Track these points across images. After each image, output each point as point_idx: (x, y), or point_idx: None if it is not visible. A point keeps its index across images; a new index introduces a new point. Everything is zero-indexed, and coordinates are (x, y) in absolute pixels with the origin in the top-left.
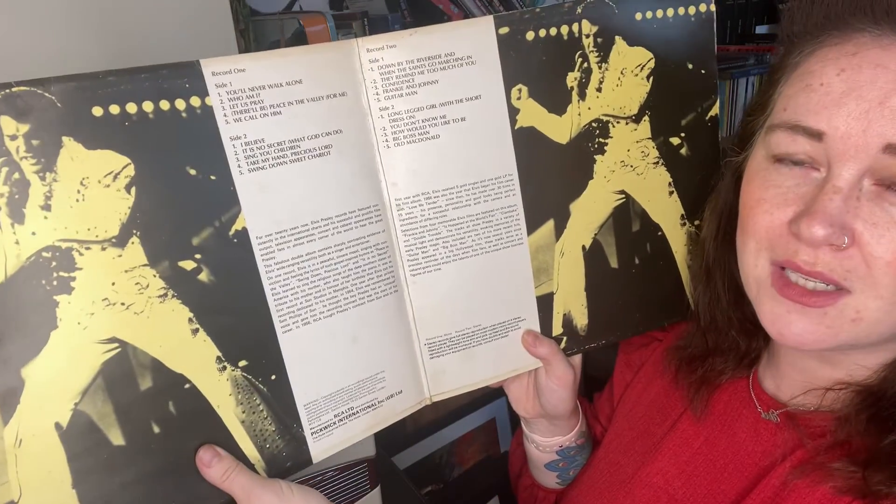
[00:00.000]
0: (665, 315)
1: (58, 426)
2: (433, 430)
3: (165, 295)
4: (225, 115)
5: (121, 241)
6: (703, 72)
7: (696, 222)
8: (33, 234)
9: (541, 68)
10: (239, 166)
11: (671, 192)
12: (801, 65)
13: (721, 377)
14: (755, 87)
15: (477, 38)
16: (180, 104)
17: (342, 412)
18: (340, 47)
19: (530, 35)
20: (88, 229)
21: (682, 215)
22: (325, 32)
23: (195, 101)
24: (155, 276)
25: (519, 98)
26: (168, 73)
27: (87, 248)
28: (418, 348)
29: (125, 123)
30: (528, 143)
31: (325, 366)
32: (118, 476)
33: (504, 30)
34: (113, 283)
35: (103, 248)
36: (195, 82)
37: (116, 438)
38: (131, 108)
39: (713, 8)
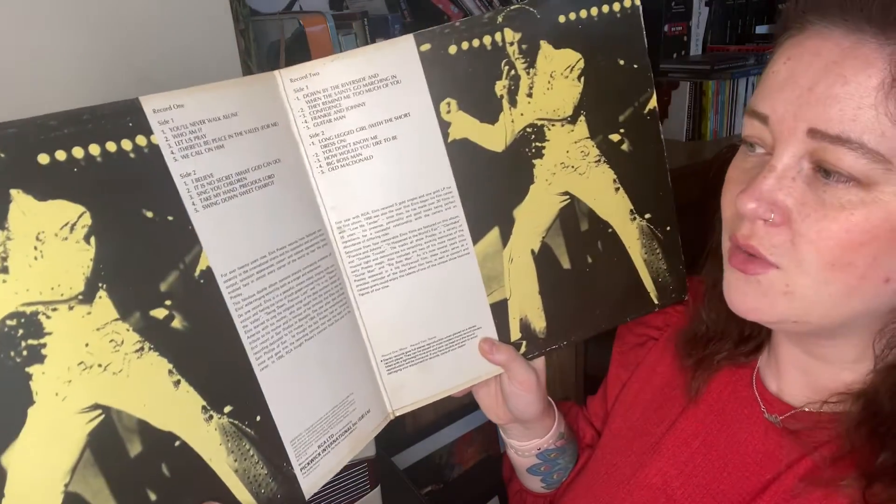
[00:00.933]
0: (628, 310)
1: None
2: (433, 430)
3: (142, 349)
4: (172, 153)
5: (88, 296)
6: (635, 66)
7: (647, 215)
8: None
9: (467, 80)
10: (193, 204)
11: (617, 189)
12: (772, 55)
13: (718, 358)
14: (758, 82)
15: (399, 57)
16: (127, 144)
17: (324, 441)
18: (265, 80)
19: (453, 49)
20: (52, 288)
21: (631, 210)
22: (325, 32)
23: (141, 141)
24: (128, 330)
25: (449, 111)
26: (110, 112)
27: (54, 310)
28: (375, 365)
29: (74, 169)
30: (463, 154)
31: (303, 397)
32: None
33: (426, 47)
34: (87, 344)
35: (71, 308)
36: (138, 121)
37: None
38: (78, 152)
39: (637, 2)
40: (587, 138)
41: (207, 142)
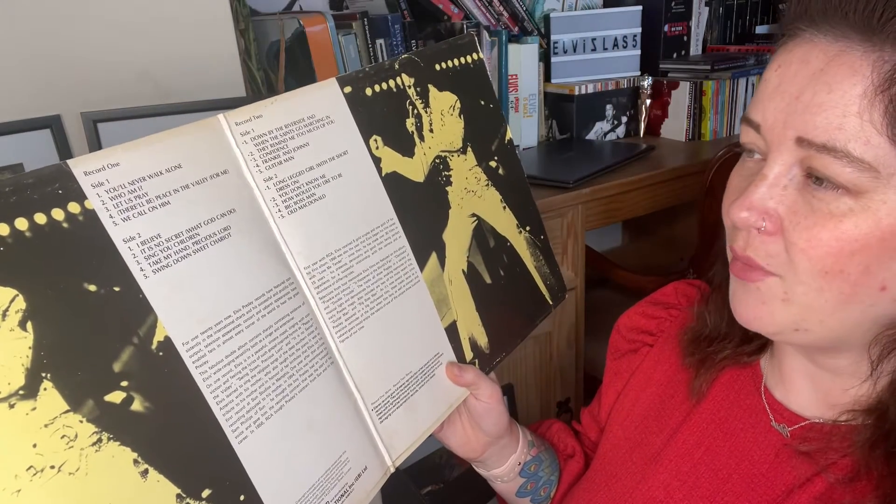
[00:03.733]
0: (534, 315)
1: None
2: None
3: (100, 440)
4: (111, 217)
5: (30, 390)
6: (491, 106)
7: (528, 227)
8: None
9: (384, 118)
10: (142, 269)
11: (504, 207)
12: (769, 62)
13: (720, 357)
14: (755, 87)
15: (328, 99)
16: (58, 214)
17: None
18: (208, 125)
19: (369, 91)
20: None
21: (517, 224)
22: (325, 32)
23: (74, 208)
24: (81, 421)
25: (377, 147)
26: (35, 181)
27: None
28: (367, 415)
29: (0, 248)
30: (396, 186)
31: (290, 466)
32: None
33: (348, 89)
34: (34, 445)
35: (11, 406)
36: (68, 186)
37: None
38: (3, 229)
39: (482, 56)
40: (476, 166)
41: (150, 199)
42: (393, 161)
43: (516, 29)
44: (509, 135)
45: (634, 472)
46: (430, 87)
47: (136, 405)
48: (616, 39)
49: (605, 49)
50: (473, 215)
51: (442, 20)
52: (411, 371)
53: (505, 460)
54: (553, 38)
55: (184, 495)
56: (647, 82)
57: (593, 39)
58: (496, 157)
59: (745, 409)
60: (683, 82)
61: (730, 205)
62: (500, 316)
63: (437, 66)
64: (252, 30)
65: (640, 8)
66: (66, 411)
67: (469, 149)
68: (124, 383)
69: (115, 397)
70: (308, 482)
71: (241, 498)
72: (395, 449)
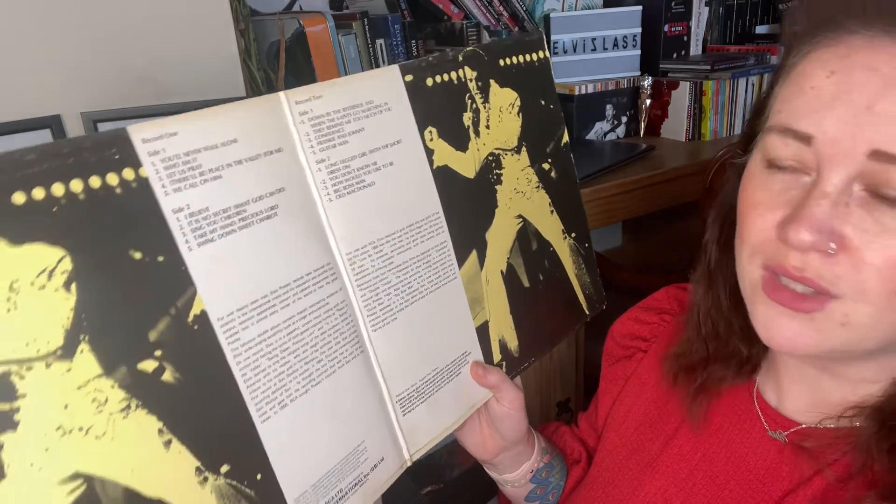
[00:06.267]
0: (569, 323)
1: None
2: None
3: (129, 407)
4: (163, 186)
5: (68, 351)
6: (551, 107)
7: (573, 234)
8: None
9: (442, 110)
10: (187, 241)
11: (552, 211)
12: (797, 66)
13: (721, 384)
14: (755, 87)
15: (388, 85)
16: (112, 179)
17: (332, 497)
18: (268, 101)
19: (430, 81)
20: (27, 344)
21: (563, 230)
22: (325, 32)
23: (128, 174)
24: (113, 387)
25: (431, 139)
26: (94, 145)
27: (29, 369)
28: (391, 407)
29: (53, 209)
30: (445, 181)
31: (309, 450)
32: None
33: (409, 77)
34: (66, 406)
35: (48, 365)
36: (125, 152)
37: None
38: (58, 189)
39: (548, 54)
40: (529, 166)
41: (203, 172)
42: (445, 154)
43: (516, 29)
44: (566, 137)
45: (631, 478)
46: (492, 82)
47: (167, 375)
48: (616, 39)
49: (605, 49)
50: (519, 216)
51: (442, 20)
52: (438, 367)
53: (518, 467)
54: (553, 38)
55: (203, 469)
56: (647, 82)
57: (593, 39)
58: (550, 160)
59: (740, 415)
60: (683, 82)
61: (777, 222)
62: (534, 321)
63: (502, 62)
64: (252, 30)
65: (640, 8)
66: (100, 375)
67: (523, 148)
68: (158, 353)
69: (148, 366)
70: (325, 468)
71: (258, 477)
72: (415, 443)
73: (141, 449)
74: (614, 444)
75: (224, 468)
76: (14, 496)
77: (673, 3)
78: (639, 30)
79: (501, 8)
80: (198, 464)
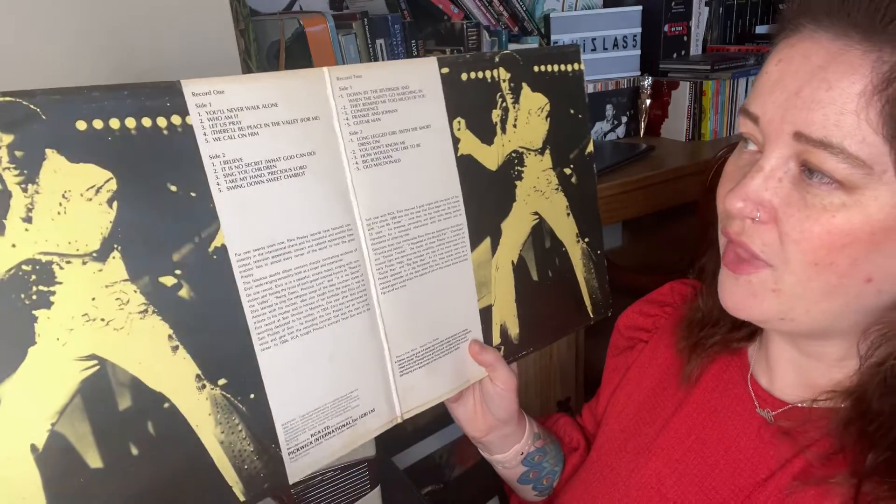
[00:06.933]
0: (572, 322)
1: (33, 448)
2: (433, 430)
3: (146, 311)
4: (205, 134)
5: (102, 255)
6: (579, 116)
7: (587, 239)
8: (13, 246)
9: (472, 104)
10: (218, 184)
11: (568, 214)
12: (768, 55)
13: (711, 342)
14: (755, 80)
15: (425, 74)
16: (162, 122)
17: (318, 431)
18: (313, 74)
19: (464, 76)
20: (69, 243)
21: (577, 233)
22: (325, 32)
23: (176, 120)
24: (136, 291)
25: (459, 129)
26: (150, 91)
27: (68, 262)
28: (390, 366)
29: (108, 138)
30: (467, 168)
31: (302, 384)
32: (95, 501)
33: (445, 69)
34: (93, 299)
35: (84, 263)
36: (176, 101)
37: (94, 461)
38: (114, 123)
39: (582, 67)
40: (551, 168)
41: (242, 128)
42: (470, 144)
43: (516, 29)
44: (590, 148)
45: (628, 462)
46: (524, 85)
47: (183, 292)
48: (616, 39)
49: (605, 49)
50: (536, 213)
51: (442, 20)
52: (439, 338)
53: (508, 448)
54: (553, 38)
55: (202, 377)
56: (647, 82)
57: (593, 39)
58: (572, 166)
59: (733, 398)
60: (683, 82)
61: (726, 193)
62: (538, 313)
63: (536, 68)
64: (252, 30)
65: (640, 8)
66: (126, 280)
67: (547, 151)
68: (178, 271)
69: (168, 280)
70: (316, 403)
71: (252, 396)
72: (408, 403)
73: (151, 347)
74: (613, 431)
75: (222, 381)
76: (40, 361)
77: (673, 3)
78: (639, 30)
79: (501, 8)
80: (198, 371)
